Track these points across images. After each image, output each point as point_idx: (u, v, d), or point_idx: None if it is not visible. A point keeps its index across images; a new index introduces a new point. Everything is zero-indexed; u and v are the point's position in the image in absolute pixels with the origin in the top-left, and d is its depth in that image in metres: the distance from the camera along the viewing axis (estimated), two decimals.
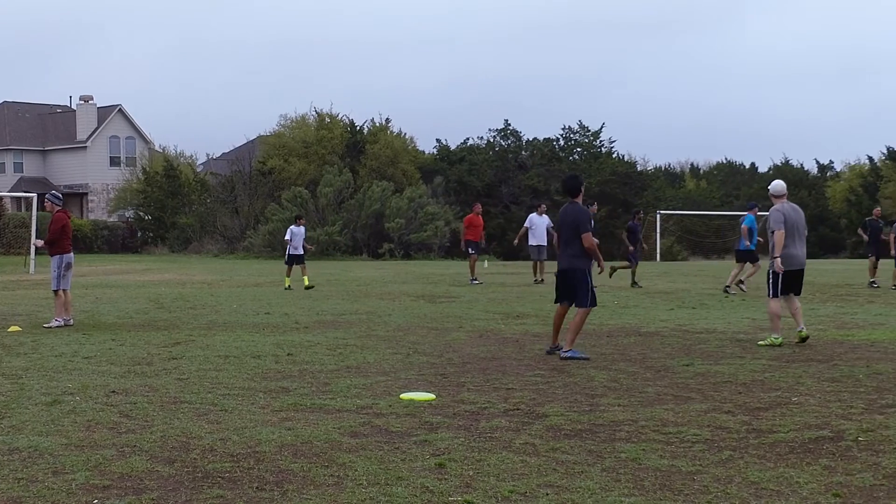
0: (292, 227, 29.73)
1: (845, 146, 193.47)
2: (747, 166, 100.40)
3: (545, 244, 31.50)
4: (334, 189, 61.81)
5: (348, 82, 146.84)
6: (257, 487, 7.07)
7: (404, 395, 10.68)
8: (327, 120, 69.81)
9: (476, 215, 32.17)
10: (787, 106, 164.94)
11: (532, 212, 33.51)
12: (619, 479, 7.23)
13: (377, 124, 70.84)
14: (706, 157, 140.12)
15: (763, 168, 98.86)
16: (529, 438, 8.57)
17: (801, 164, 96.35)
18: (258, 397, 10.67)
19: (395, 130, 71.77)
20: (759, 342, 15.22)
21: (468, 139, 76.87)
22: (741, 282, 26.76)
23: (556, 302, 14.67)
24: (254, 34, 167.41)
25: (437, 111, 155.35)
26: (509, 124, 76.83)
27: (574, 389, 11.20)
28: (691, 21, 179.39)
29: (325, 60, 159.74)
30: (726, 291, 26.15)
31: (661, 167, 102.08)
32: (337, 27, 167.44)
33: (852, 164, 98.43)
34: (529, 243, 32.40)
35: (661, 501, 6.72)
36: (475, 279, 30.91)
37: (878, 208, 35.65)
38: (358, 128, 70.40)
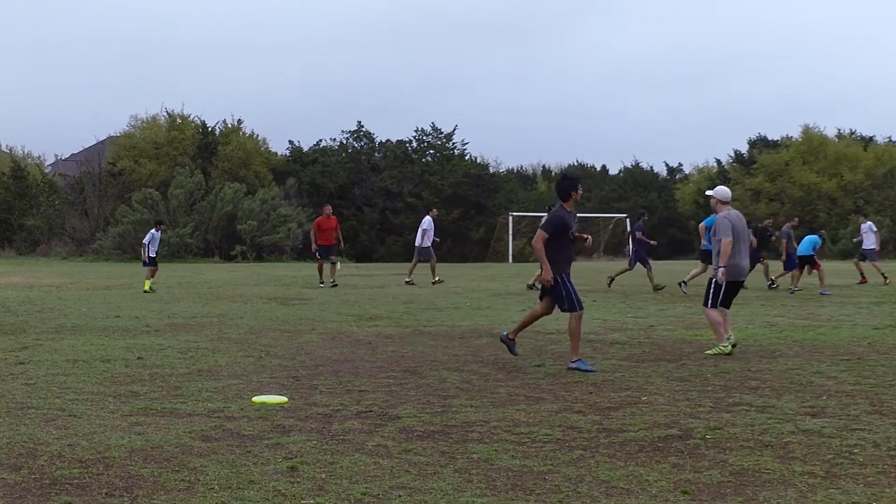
0: (153, 231, 29.79)
1: (693, 149, 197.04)
2: (598, 168, 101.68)
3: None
4: (185, 191, 61.22)
5: (200, 83, 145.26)
6: (107, 493, 6.93)
7: (256, 399, 10.57)
8: (178, 121, 69.12)
9: (326, 217, 31.99)
10: (637, 109, 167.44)
11: (426, 215, 34.44)
12: (472, 480, 7.24)
13: (229, 125, 70.42)
14: (558, 160, 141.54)
15: (613, 170, 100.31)
16: (382, 440, 8.55)
17: (651, 167, 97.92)
18: (107, 402, 10.47)
19: (248, 132, 71.42)
20: (707, 351, 14.42)
21: (321, 141, 76.87)
22: (684, 282, 27.49)
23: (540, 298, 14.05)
24: (102, 34, 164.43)
25: (291, 112, 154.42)
26: (362, 126, 76.92)
27: (426, 391, 11.21)
28: (543, 23, 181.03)
29: (176, 61, 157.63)
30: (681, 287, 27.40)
31: (513, 169, 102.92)
32: (187, 28, 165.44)
33: (700, 166, 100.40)
34: (427, 244, 32.95)
35: (512, 501, 6.74)
36: (324, 282, 30.84)
37: (769, 220, 36.30)
38: (210, 129, 69.81)
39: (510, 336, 13.99)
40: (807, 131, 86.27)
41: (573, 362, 12.99)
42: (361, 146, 76.96)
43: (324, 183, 69.91)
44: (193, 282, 32.56)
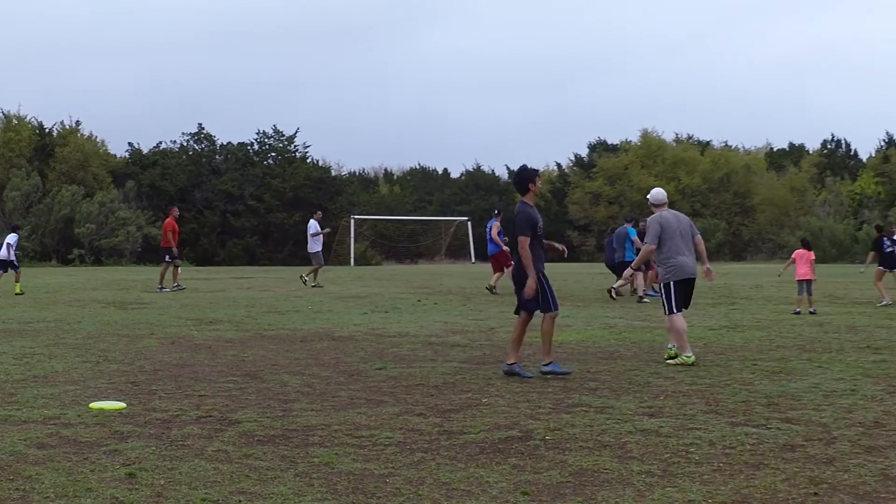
0: (13, 234, 30.12)
1: (534, 153, 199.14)
2: (440, 172, 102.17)
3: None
4: (22, 193, 60.00)
5: (37, 84, 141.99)
6: None
7: (94, 405, 10.37)
8: (14, 122, 67.49)
9: (175, 219, 31.77)
10: (477, 113, 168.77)
11: (311, 218, 34.92)
12: (313, 484, 7.20)
13: (67, 127, 69.07)
14: (399, 163, 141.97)
15: (455, 174, 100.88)
16: (222, 445, 8.46)
17: (493, 170, 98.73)
18: None
19: (86, 133, 70.13)
20: (668, 361, 13.89)
21: (161, 143, 75.77)
22: (615, 290, 26.83)
23: (515, 312, 13.32)
24: None
25: (130, 114, 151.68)
26: (203, 128, 76.15)
27: (267, 395, 11.12)
28: (386, 27, 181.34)
29: (11, 61, 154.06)
30: (641, 300, 25.97)
31: (355, 172, 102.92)
32: (22, 27, 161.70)
33: (541, 170, 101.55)
34: (318, 249, 33.51)
35: None
36: (164, 287, 30.34)
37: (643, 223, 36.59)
38: (47, 130, 68.43)
39: (510, 362, 12.80)
40: (645, 136, 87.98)
41: (546, 366, 12.65)
42: (202, 148, 76.18)
43: (164, 186, 69.01)
44: (30, 286, 31.79)
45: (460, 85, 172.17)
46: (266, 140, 77.51)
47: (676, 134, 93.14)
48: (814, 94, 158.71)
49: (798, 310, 22.01)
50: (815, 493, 6.88)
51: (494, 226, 28.83)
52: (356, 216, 67.71)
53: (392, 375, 12.60)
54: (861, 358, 14.08)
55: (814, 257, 23.21)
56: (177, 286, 30.41)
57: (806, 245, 23.54)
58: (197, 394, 11.20)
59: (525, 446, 8.39)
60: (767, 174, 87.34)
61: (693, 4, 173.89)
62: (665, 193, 15.11)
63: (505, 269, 27.17)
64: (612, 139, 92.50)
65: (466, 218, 76.11)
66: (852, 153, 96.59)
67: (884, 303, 24.15)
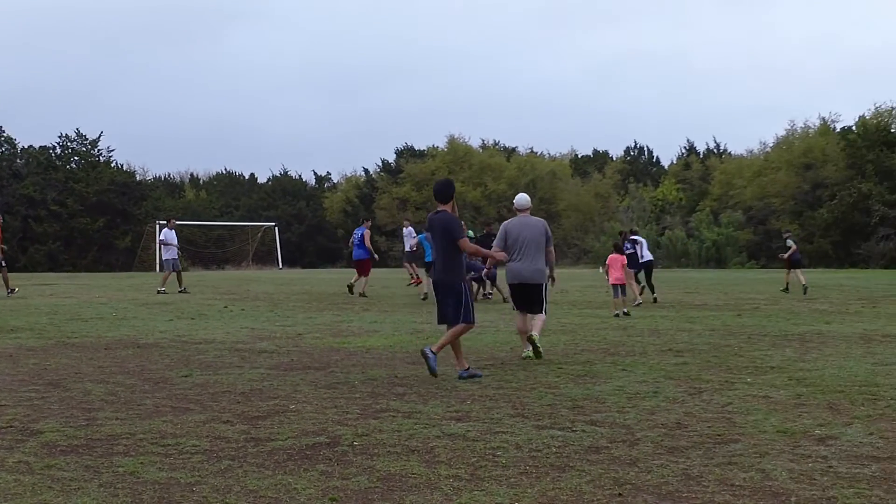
0: None
1: (342, 158, 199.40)
2: (247, 176, 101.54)
3: None
4: None
5: None
6: None
7: None
8: None
9: None
10: (283, 118, 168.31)
11: (165, 227, 34.58)
12: (118, 494, 7.06)
13: None
14: (206, 167, 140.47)
15: (262, 178, 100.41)
16: (23, 456, 8.23)
17: (300, 175, 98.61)
18: None
19: None
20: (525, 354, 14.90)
21: None
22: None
23: (439, 323, 13.50)
24: None
25: None
26: (3, 131, 74.16)
27: (70, 404, 10.87)
28: (188, 31, 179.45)
29: None
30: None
31: (160, 177, 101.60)
32: None
33: (349, 175, 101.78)
34: (171, 257, 33.41)
35: None
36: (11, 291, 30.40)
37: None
38: None
39: (465, 367, 13.05)
40: (452, 142, 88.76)
41: (464, 371, 12.95)
42: (2, 152, 74.21)
43: None
44: None
45: (266, 89, 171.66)
46: (69, 144, 75.98)
47: (483, 140, 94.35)
48: (617, 102, 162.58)
49: (617, 312, 22.80)
50: (620, 494, 7.01)
51: (366, 234, 29.51)
52: (161, 221, 66.69)
53: (198, 382, 12.44)
54: (663, 361, 14.41)
55: (626, 261, 24.14)
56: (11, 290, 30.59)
57: (618, 250, 24.61)
58: None
59: (333, 452, 8.36)
60: (572, 180, 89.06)
61: (497, 14, 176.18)
62: (527, 199, 15.57)
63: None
64: (420, 145, 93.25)
65: (273, 223, 75.68)
66: (655, 160, 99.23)
67: (637, 303, 25.47)
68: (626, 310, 23.06)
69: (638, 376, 12.82)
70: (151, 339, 17.76)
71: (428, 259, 27.99)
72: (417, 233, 33.19)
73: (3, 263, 30.88)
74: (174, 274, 33.41)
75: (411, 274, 34.10)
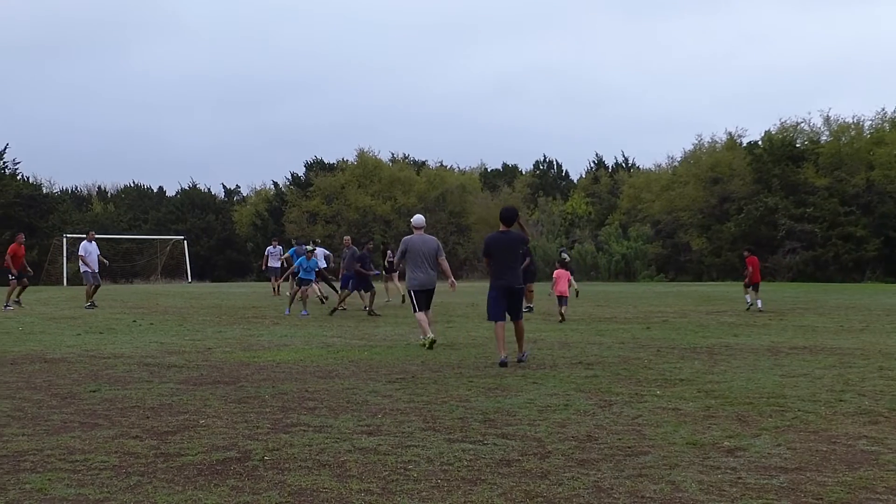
0: None
1: (251, 172, 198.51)
2: (155, 189, 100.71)
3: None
4: None
5: None
6: None
7: None
8: None
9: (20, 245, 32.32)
10: (191, 131, 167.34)
11: (83, 240, 34.12)
12: None
13: None
14: (114, 180, 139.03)
15: (171, 191, 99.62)
16: None
17: (209, 188, 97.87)
18: None
19: None
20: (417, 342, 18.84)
21: None
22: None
23: (495, 319, 16.12)
24: None
25: None
26: None
27: None
28: (94, 44, 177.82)
29: None
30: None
31: (68, 190, 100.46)
32: None
33: (259, 188, 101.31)
34: (91, 270, 33.12)
35: None
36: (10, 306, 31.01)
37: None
38: None
39: (508, 354, 15.88)
40: (362, 155, 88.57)
41: (523, 354, 16.26)
42: None
43: None
44: None
45: (171, 103, 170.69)
46: None
47: (392, 153, 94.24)
48: (526, 116, 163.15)
49: (561, 320, 25.08)
50: None
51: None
52: (69, 234, 65.81)
53: (107, 398, 12.31)
54: (574, 373, 14.51)
55: (570, 275, 26.69)
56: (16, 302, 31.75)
57: (564, 265, 27.30)
58: None
59: (244, 467, 8.32)
60: (482, 194, 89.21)
61: (404, 27, 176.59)
62: (422, 219, 19.28)
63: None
64: (329, 158, 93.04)
65: (182, 237, 75.05)
66: (564, 174, 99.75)
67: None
68: (563, 318, 25.44)
69: (548, 389, 12.90)
70: (59, 353, 17.53)
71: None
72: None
73: (18, 277, 31.92)
74: (26, 287, 33.12)
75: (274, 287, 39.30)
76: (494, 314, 16.16)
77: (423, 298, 18.69)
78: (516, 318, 16.31)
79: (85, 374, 14.64)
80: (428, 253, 18.64)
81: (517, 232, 16.55)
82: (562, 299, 25.90)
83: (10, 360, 16.52)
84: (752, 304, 30.31)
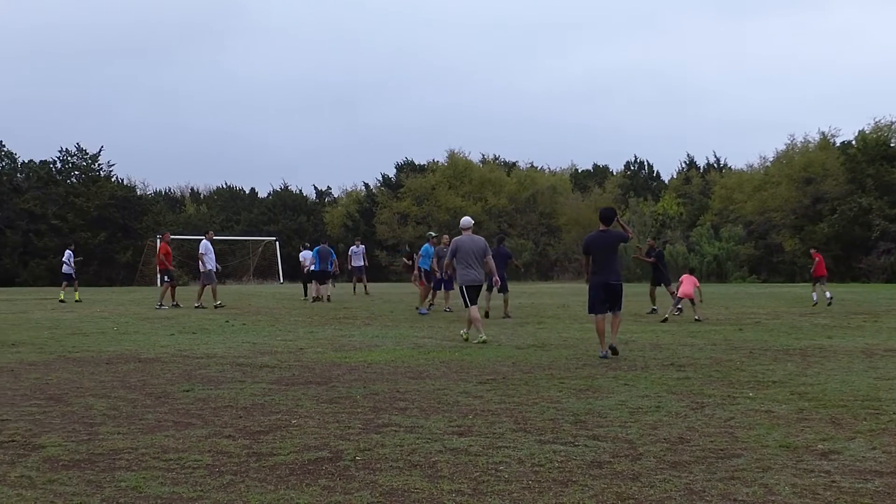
0: None
1: (342, 173, 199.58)
2: (247, 191, 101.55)
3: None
4: None
5: None
6: None
7: None
8: None
9: (166, 244, 34.00)
10: (283, 133, 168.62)
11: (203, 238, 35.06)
12: None
13: None
14: (206, 182, 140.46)
15: (263, 193, 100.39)
16: (25, 471, 8.22)
17: (300, 190, 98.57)
18: None
19: None
20: (468, 341, 19.91)
21: None
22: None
23: (595, 313, 17.29)
24: None
25: None
26: (3, 145, 74.22)
27: (72, 419, 10.86)
28: (188, 46, 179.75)
29: None
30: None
31: (161, 191, 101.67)
32: None
33: (350, 190, 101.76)
34: (209, 268, 33.87)
35: None
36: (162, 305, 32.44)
37: (651, 239, 37.84)
38: None
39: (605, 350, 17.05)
40: (452, 156, 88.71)
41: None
42: (2, 166, 74.25)
43: None
44: None
45: (265, 104, 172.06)
46: (69, 158, 76.09)
47: (483, 155, 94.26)
48: (617, 116, 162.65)
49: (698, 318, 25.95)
50: None
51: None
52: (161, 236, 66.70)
53: (200, 397, 12.42)
54: (665, 375, 14.40)
55: (697, 280, 27.40)
56: (175, 304, 32.95)
57: (691, 271, 28.21)
58: None
59: (335, 467, 8.34)
60: (573, 195, 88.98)
61: (498, 28, 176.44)
62: (470, 221, 20.75)
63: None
64: (420, 159, 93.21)
65: (274, 238, 75.65)
66: (655, 174, 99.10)
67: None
68: (696, 317, 26.43)
69: (640, 391, 12.81)
70: (153, 353, 17.74)
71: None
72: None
73: (168, 279, 33.68)
74: (175, 288, 33.64)
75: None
76: (594, 308, 17.30)
77: (474, 293, 20.08)
78: (615, 310, 17.35)
79: (178, 374, 14.79)
80: (477, 252, 20.11)
81: (617, 231, 17.40)
82: (679, 300, 26.99)
83: (106, 360, 16.74)
84: (817, 302, 30.44)
